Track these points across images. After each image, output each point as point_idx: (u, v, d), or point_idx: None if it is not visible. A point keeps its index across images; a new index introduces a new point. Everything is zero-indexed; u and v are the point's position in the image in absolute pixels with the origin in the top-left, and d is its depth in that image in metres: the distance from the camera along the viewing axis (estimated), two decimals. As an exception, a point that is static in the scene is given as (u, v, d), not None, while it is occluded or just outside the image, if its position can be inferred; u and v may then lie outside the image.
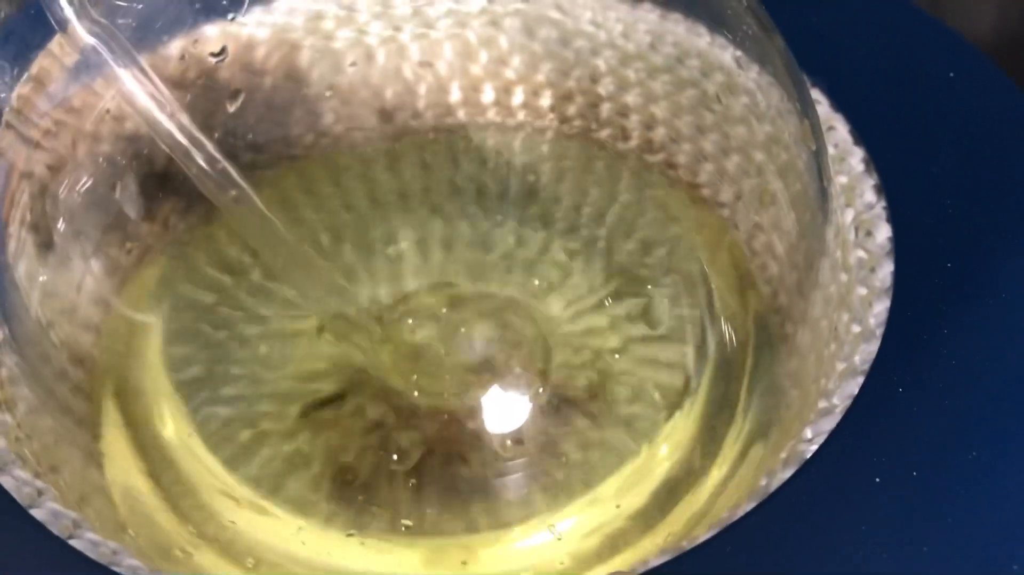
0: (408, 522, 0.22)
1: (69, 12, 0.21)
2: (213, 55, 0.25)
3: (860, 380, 0.20)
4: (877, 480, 0.18)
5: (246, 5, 0.25)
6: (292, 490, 0.23)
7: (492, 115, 0.28)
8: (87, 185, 0.25)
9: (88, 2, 0.21)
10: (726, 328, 0.24)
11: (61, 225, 0.24)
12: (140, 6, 0.23)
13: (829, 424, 0.19)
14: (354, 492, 0.22)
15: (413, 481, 0.22)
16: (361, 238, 0.26)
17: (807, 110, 0.23)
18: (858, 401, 0.19)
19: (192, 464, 0.23)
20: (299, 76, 0.27)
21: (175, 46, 0.26)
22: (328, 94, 0.27)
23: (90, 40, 0.21)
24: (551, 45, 0.28)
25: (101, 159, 0.25)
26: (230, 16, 0.26)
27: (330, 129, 0.28)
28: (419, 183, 0.27)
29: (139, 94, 0.22)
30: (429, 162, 0.28)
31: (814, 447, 0.19)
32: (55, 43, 0.22)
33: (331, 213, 0.27)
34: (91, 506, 0.22)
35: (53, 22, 0.21)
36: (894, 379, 0.20)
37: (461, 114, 0.28)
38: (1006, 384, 0.20)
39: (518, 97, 0.28)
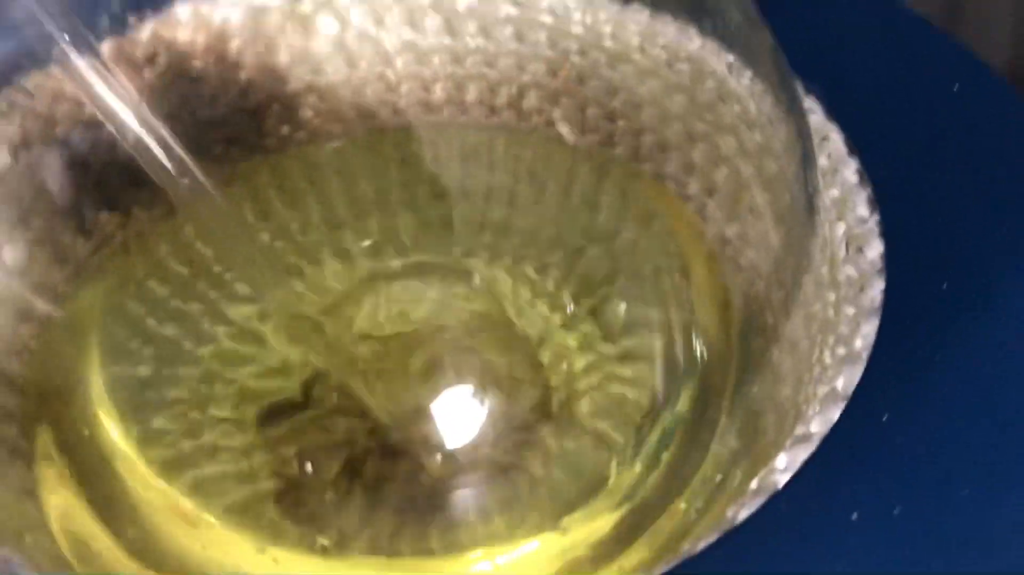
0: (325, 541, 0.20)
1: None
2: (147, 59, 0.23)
3: (841, 406, 0.18)
4: (854, 517, 0.16)
5: None
6: (233, 500, 0.21)
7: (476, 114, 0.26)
8: (37, 169, 0.23)
9: None
10: (703, 346, 0.22)
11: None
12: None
13: (804, 453, 0.17)
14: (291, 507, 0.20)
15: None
16: (324, 237, 0.24)
17: (794, 115, 0.21)
18: (837, 429, 0.17)
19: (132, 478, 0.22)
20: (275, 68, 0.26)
21: (145, 29, 0.24)
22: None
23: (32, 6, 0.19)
24: (539, 48, 0.26)
25: (54, 143, 0.23)
26: None
27: (307, 124, 0.26)
28: (397, 180, 0.25)
29: (93, 80, 0.20)
30: (407, 160, 0.26)
31: (787, 477, 0.17)
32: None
33: (302, 210, 0.25)
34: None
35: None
36: (879, 406, 0.18)
37: (445, 113, 0.26)
38: (999, 417, 0.18)
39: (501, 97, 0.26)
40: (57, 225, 0.23)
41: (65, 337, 0.23)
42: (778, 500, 0.16)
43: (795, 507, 0.16)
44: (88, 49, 0.20)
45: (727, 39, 0.23)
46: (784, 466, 0.17)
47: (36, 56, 0.21)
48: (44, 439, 0.21)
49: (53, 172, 0.23)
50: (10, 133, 0.23)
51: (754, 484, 0.17)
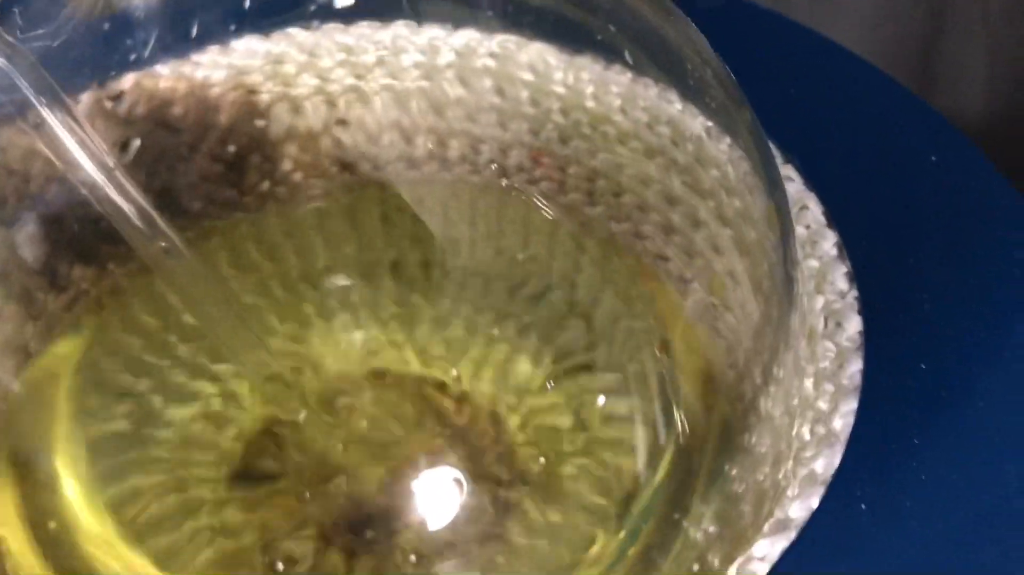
0: None
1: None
2: (111, 98, 0.22)
3: (821, 491, 0.17)
4: (832, 612, 0.16)
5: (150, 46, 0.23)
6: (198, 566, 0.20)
7: (458, 171, 0.26)
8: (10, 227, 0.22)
9: None
10: (679, 417, 0.21)
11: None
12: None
13: (783, 541, 0.17)
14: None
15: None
16: (299, 301, 0.24)
17: (774, 188, 0.21)
18: (816, 516, 0.17)
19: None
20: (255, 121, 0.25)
21: (126, 80, 0.24)
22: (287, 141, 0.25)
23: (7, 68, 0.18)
24: (521, 105, 0.26)
25: (27, 200, 0.23)
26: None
27: (287, 177, 0.26)
28: (378, 240, 0.25)
29: (56, 129, 0.19)
30: (390, 217, 0.25)
31: (765, 567, 0.16)
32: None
33: (281, 265, 0.24)
34: None
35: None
36: (857, 493, 0.17)
37: (426, 169, 0.26)
38: (981, 505, 0.17)
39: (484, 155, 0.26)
40: (30, 281, 0.23)
41: (33, 399, 0.22)
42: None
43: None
44: (62, 109, 0.19)
45: (705, 106, 0.23)
46: (762, 555, 0.17)
47: (8, 114, 0.20)
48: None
49: (26, 229, 0.23)
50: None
51: (732, 572, 0.17)
